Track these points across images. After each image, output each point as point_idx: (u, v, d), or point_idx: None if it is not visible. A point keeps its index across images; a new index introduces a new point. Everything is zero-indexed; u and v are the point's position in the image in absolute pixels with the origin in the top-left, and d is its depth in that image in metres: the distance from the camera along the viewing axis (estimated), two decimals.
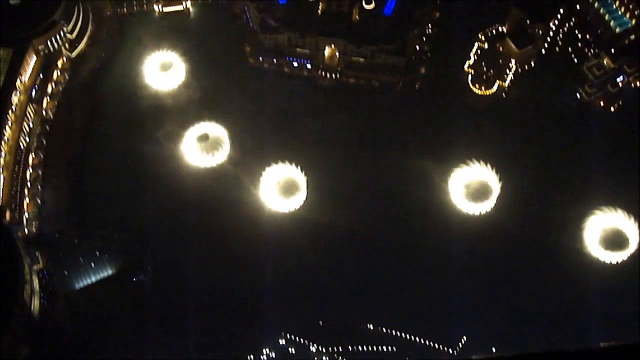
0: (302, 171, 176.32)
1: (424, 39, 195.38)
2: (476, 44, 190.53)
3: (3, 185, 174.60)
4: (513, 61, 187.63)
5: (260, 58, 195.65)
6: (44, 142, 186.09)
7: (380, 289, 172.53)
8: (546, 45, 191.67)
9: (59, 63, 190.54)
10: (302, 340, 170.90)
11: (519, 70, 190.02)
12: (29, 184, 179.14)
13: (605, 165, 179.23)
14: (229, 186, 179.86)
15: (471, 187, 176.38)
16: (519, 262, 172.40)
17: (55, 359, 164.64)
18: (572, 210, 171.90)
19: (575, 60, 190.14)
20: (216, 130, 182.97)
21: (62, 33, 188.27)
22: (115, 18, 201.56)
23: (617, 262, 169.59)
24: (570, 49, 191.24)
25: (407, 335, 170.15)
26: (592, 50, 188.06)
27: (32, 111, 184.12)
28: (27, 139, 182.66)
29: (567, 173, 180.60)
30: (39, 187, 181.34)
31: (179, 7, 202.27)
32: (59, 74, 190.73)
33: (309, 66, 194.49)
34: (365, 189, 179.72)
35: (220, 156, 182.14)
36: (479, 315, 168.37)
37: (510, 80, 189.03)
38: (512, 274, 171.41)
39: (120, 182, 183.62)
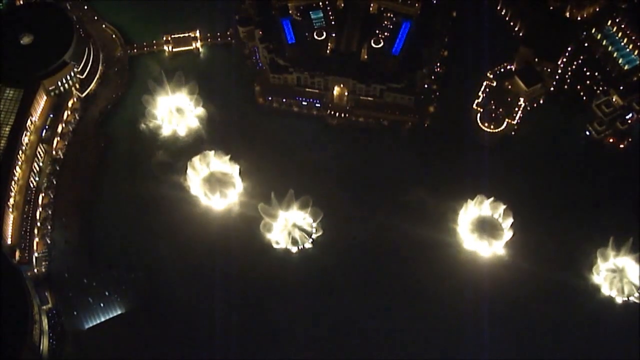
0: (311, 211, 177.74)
1: (433, 77, 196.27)
2: (485, 82, 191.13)
3: (13, 225, 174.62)
4: (522, 99, 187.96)
5: (270, 98, 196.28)
6: (54, 181, 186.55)
7: (387, 327, 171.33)
8: (555, 83, 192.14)
9: (70, 103, 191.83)
10: None
11: (528, 108, 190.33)
12: (38, 223, 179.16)
13: (615, 202, 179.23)
14: (238, 225, 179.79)
15: (480, 226, 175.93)
16: (528, 300, 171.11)
17: None
18: (581, 248, 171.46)
19: (584, 97, 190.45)
20: (226, 169, 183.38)
21: (72, 73, 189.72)
22: (125, 58, 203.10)
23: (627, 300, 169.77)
24: (579, 86, 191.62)
25: None
26: (601, 88, 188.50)
27: (42, 151, 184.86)
28: (37, 179, 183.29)
29: (577, 210, 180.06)
30: (49, 226, 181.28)
31: (189, 48, 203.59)
32: (69, 113, 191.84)
33: (318, 105, 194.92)
34: (375, 228, 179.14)
35: (229, 195, 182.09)
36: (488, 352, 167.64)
37: (519, 118, 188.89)
38: (521, 312, 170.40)
39: (129, 222, 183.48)
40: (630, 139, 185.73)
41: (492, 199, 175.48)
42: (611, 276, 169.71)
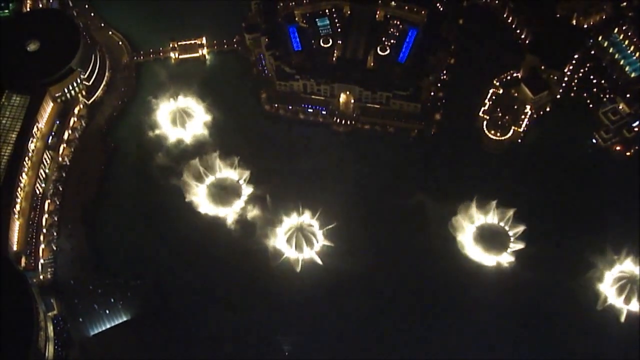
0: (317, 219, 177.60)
1: (439, 85, 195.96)
2: (491, 90, 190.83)
3: (19, 232, 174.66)
4: (528, 107, 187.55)
5: (276, 105, 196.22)
6: (60, 188, 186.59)
7: (391, 335, 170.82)
8: (561, 90, 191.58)
9: (76, 110, 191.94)
10: None
11: (534, 115, 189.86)
12: (44, 230, 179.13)
13: (621, 209, 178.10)
14: (243, 232, 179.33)
15: (486, 237, 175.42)
16: (532, 308, 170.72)
17: None
18: (586, 255, 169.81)
19: (591, 105, 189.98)
20: (230, 177, 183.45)
21: (79, 80, 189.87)
22: (131, 65, 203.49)
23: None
24: (585, 94, 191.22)
25: None
26: (607, 96, 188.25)
27: (48, 157, 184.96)
28: (44, 185, 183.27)
29: (583, 218, 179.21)
30: (55, 233, 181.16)
31: (195, 55, 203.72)
32: (75, 120, 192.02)
33: (324, 113, 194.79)
34: (380, 235, 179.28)
35: (233, 203, 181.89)
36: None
37: (526, 126, 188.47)
38: (524, 322, 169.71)
39: (135, 229, 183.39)
40: (637, 147, 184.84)
41: (495, 201, 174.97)
42: (618, 284, 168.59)
